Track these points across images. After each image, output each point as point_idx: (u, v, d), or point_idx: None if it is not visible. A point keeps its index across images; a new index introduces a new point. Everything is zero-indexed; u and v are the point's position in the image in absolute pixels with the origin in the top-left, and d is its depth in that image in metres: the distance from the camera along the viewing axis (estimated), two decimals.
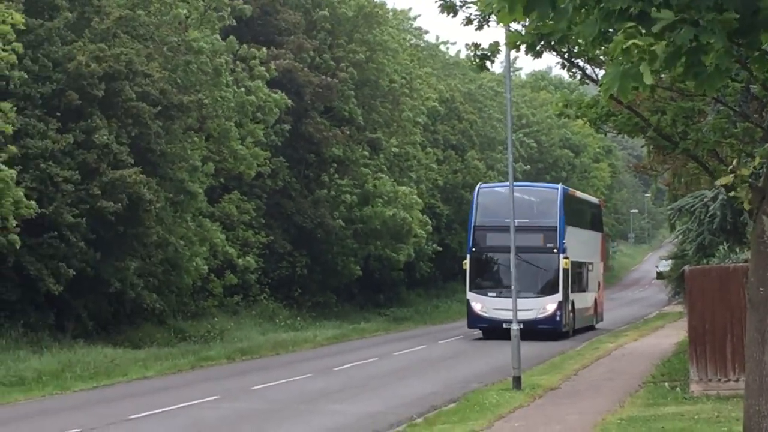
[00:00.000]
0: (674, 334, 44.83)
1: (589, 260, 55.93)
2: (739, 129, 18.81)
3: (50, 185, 40.17)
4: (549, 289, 47.96)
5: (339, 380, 33.14)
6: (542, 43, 11.64)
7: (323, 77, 59.73)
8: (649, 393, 28.38)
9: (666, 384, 29.75)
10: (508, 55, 32.31)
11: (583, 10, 8.41)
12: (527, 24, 12.15)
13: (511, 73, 32.25)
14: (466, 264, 49.41)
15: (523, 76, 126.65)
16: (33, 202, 37.04)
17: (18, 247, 36.90)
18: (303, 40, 59.52)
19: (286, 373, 34.99)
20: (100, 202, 40.45)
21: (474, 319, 49.21)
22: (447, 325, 61.69)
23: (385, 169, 63.76)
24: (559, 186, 52.95)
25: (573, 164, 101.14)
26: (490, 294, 47.85)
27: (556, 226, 48.65)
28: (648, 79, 8.13)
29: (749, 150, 17.92)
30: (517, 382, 30.14)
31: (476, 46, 17.18)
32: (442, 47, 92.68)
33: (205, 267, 47.84)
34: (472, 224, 49.84)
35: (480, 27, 15.19)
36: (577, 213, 53.56)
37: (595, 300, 56.39)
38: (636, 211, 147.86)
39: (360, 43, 63.52)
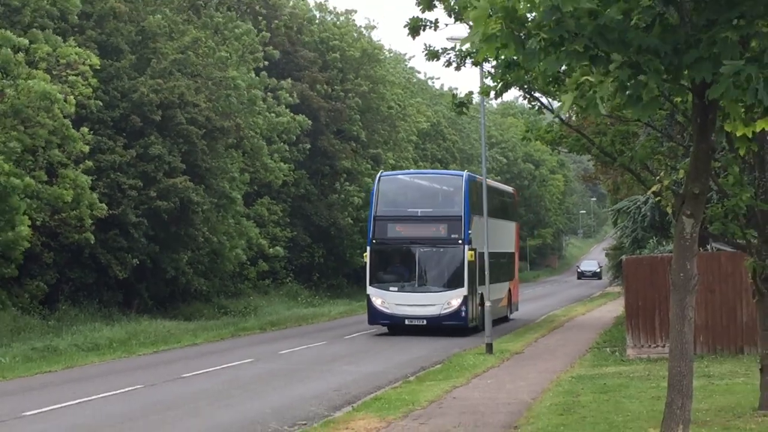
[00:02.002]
0: (614, 310, 44.89)
1: (503, 250, 42.56)
2: (665, 147, 18.87)
3: (118, 191, 40.40)
4: (454, 282, 36.50)
5: (348, 347, 33.21)
6: (507, 90, 11.89)
7: (335, 104, 60.22)
8: (594, 356, 28.45)
9: (607, 349, 29.87)
10: (483, 103, 34.40)
11: (548, 50, 8.50)
12: (494, 72, 12.31)
13: (484, 102, 30.90)
14: (367, 257, 37.79)
15: (494, 105, 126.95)
16: (104, 205, 37.31)
17: (92, 242, 37.14)
18: (316, 74, 59.83)
19: (307, 340, 34.94)
20: (157, 204, 40.65)
21: (374, 315, 37.46)
22: None
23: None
24: (465, 173, 40.10)
25: (534, 175, 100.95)
26: (391, 288, 36.67)
27: (461, 216, 36.65)
28: (602, 109, 8.29)
29: (673, 164, 17.96)
30: (489, 347, 30.20)
31: (454, 96, 17.46)
32: (430, 82, 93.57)
33: (243, 256, 48.25)
34: (373, 214, 37.68)
35: (458, 68, 15.29)
36: (488, 202, 37.38)
37: (509, 291, 44.08)
38: (584, 211, 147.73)
39: (364, 78, 63.94)
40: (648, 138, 18.29)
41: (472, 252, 35.69)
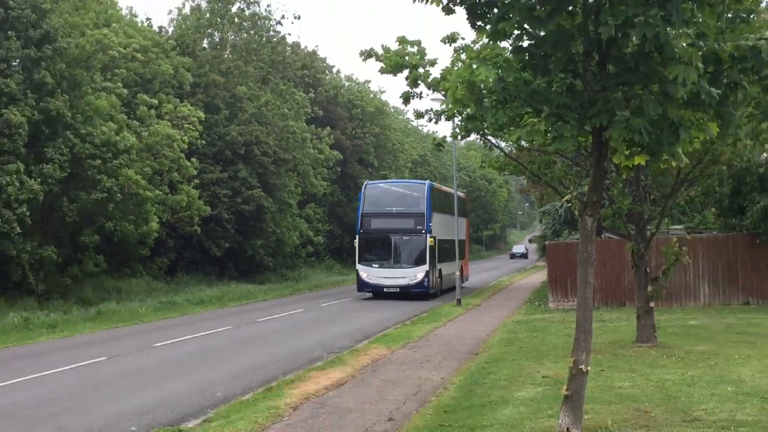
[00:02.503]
0: (540, 278, 44.76)
1: (457, 238, 38.43)
2: (574, 171, 18.93)
3: (216, 199, 40.41)
4: (419, 261, 34.04)
5: (365, 303, 33.11)
6: (470, 135, 12.15)
7: (356, 142, 60.29)
8: (527, 307, 28.40)
9: (536, 303, 29.81)
10: (454, 144, 35.64)
11: (497, 107, 8.59)
12: (460, 123, 12.45)
13: (455, 142, 31.30)
14: (356, 242, 35.18)
15: (462, 143, 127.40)
16: (207, 208, 37.48)
17: (198, 232, 37.29)
18: (346, 123, 60.00)
19: (338, 298, 34.87)
20: (241, 207, 40.76)
21: (362, 285, 34.90)
22: None
23: None
24: (427, 182, 37.87)
25: (488, 188, 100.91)
26: (374, 265, 34.28)
27: (424, 213, 34.42)
28: (541, 138, 8.69)
29: (579, 182, 18.06)
30: (458, 302, 30.23)
31: (434, 139, 17.71)
32: (419, 127, 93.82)
33: (297, 242, 48.32)
34: (360, 212, 35.13)
35: (437, 122, 15.42)
36: (445, 203, 38.32)
37: (461, 266, 38.97)
38: (521, 212, 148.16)
39: (376, 125, 64.15)
40: (563, 164, 18.39)
41: (432, 239, 33.65)
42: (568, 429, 8.70)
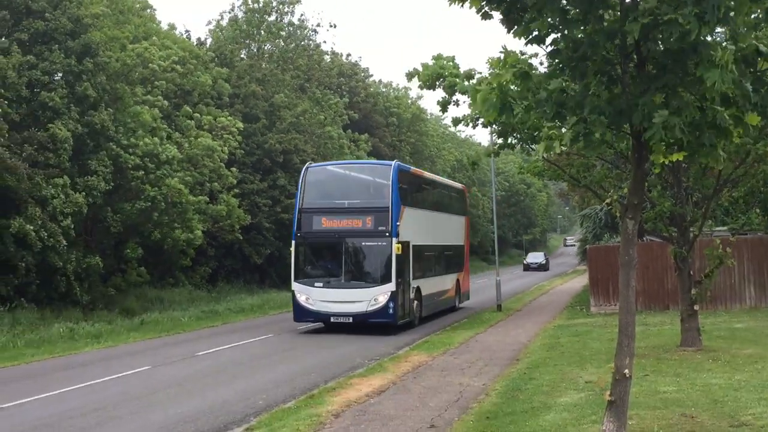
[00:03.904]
0: (581, 281, 44.38)
1: (450, 243, 30.75)
2: (613, 174, 18.74)
3: (255, 207, 40.70)
4: (381, 277, 23.76)
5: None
6: (504, 149, 12.18)
7: (394, 149, 60.32)
8: (569, 312, 28.19)
9: (578, 307, 29.56)
10: (492, 158, 30.26)
11: (527, 113, 8.55)
12: (497, 128, 12.45)
13: (492, 143, 29.04)
14: (292, 250, 24.86)
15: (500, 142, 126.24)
16: (247, 216, 37.70)
17: (241, 239, 37.61)
18: (383, 130, 60.08)
19: None
20: (281, 215, 40.95)
21: (300, 312, 24.44)
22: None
23: None
24: (394, 162, 25.86)
25: (527, 193, 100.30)
26: (316, 284, 24.13)
27: (388, 207, 23.85)
28: (558, 149, 8.51)
29: (619, 184, 17.88)
30: (499, 307, 30.08)
31: (469, 157, 17.76)
32: (458, 132, 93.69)
33: None
34: (298, 207, 24.99)
35: (474, 127, 15.32)
36: (429, 195, 28.77)
37: (457, 281, 31.37)
38: (560, 216, 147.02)
39: (414, 131, 64.15)
40: (602, 168, 18.22)
41: (400, 245, 23.27)
42: None
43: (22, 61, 27.43)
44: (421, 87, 12.66)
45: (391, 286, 23.32)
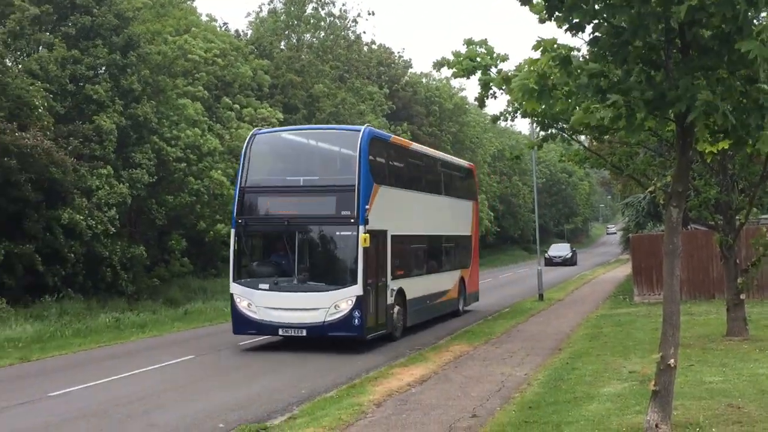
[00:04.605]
0: (625, 271, 43.91)
1: (452, 233, 25.02)
2: (657, 162, 18.51)
3: None
4: (343, 277, 17.88)
5: None
6: (547, 140, 12.02)
7: (434, 138, 60.06)
8: (611, 302, 27.96)
9: (621, 297, 29.31)
10: (534, 150, 27.13)
11: (567, 99, 8.47)
12: (537, 121, 12.34)
13: (532, 128, 27.68)
14: (231, 242, 18.98)
15: (541, 134, 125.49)
16: None
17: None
18: (423, 119, 59.86)
19: None
20: None
21: (240, 322, 18.56)
22: (504, 267, 60.74)
23: None
24: (364, 127, 18.88)
25: (569, 182, 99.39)
26: (261, 286, 18.24)
27: (354, 185, 17.74)
28: (593, 122, 8.43)
29: (663, 173, 17.68)
30: (540, 297, 29.94)
31: (511, 152, 17.65)
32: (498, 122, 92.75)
33: None
34: (239, 185, 19.10)
35: (513, 120, 15.09)
36: (419, 172, 22.77)
37: (461, 280, 25.50)
38: (603, 205, 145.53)
39: (455, 122, 63.87)
40: (646, 156, 18.01)
41: (367, 236, 17.27)
42: (656, 425, 8.49)
43: (67, 56, 27.92)
44: (454, 76, 12.55)
45: (356, 289, 17.40)
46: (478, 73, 12.37)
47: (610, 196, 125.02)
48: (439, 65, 12.87)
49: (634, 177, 17.20)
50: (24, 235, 24.71)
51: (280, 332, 18.14)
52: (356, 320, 17.45)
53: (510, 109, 14.64)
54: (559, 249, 63.45)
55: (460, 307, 25.65)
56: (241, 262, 18.65)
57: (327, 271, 18.24)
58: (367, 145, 18.17)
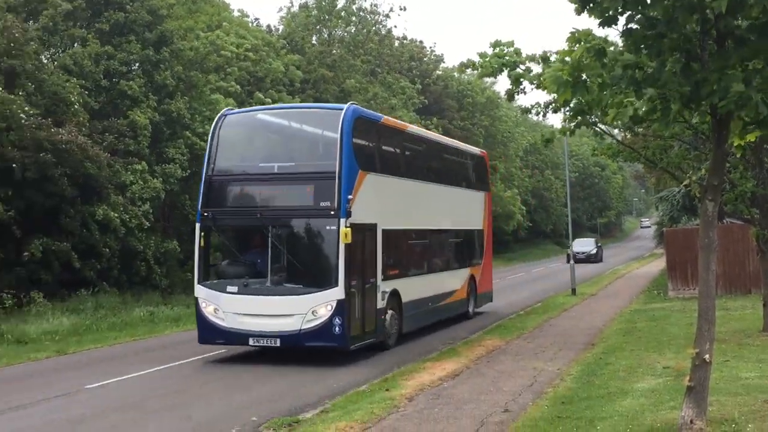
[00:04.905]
0: (659, 265, 43.50)
1: (461, 227, 23.03)
2: (692, 155, 18.33)
3: None
4: (322, 279, 15.32)
5: None
6: (580, 127, 11.90)
7: (465, 132, 59.85)
8: (645, 296, 27.73)
9: (655, 291, 29.05)
10: (566, 138, 26.43)
11: (603, 91, 8.39)
12: (569, 113, 12.22)
13: (567, 135, 26.68)
14: (196, 237, 16.40)
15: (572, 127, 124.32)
16: None
17: None
18: (454, 114, 59.62)
19: None
20: None
21: (206, 330, 16.06)
22: (536, 261, 60.42)
23: (499, 181, 63.16)
24: (347, 106, 16.21)
25: (602, 175, 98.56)
26: (229, 289, 15.83)
27: (335, 172, 15.20)
28: (626, 117, 8.29)
29: (698, 166, 17.51)
30: (573, 291, 29.75)
31: (542, 135, 17.46)
32: (530, 116, 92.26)
33: None
34: (205, 173, 16.60)
35: (544, 116, 15.20)
36: (414, 159, 20.39)
37: (472, 278, 23.27)
38: (636, 199, 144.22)
39: (487, 116, 63.57)
40: (680, 149, 17.85)
41: (349, 230, 14.87)
42: (691, 421, 8.41)
43: (100, 52, 28.25)
44: (480, 76, 12.52)
45: (337, 292, 15.05)
46: (505, 72, 12.35)
47: (643, 190, 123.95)
48: (464, 67, 12.87)
49: (668, 170, 17.03)
50: (60, 231, 25.03)
51: (251, 342, 15.77)
52: (337, 328, 15.09)
53: (540, 103, 14.59)
54: (583, 244, 58.18)
55: (470, 309, 23.37)
56: (207, 261, 16.43)
57: (304, 272, 15.67)
58: (351, 126, 15.78)
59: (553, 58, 11.28)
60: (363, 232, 15.95)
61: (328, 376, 14.37)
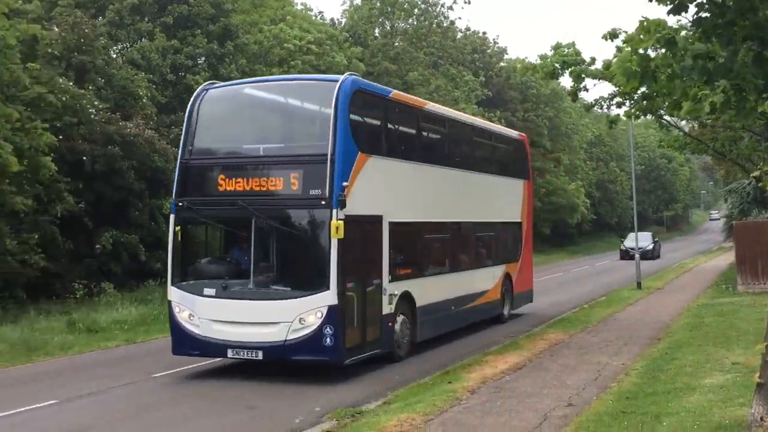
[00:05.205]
0: (727, 259, 42.47)
1: (496, 219, 20.48)
2: (762, 146, 17.86)
3: None
4: (311, 281, 12.89)
5: (544, 285, 32.45)
6: (646, 114, 11.67)
7: (528, 123, 59.27)
8: (713, 291, 27.10)
9: (723, 286, 28.38)
10: (631, 123, 27.07)
11: (672, 81, 8.23)
12: (635, 103, 12.04)
13: (632, 121, 25.85)
14: (170, 233, 14.28)
15: (640, 119, 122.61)
16: None
17: None
18: (517, 105, 59.08)
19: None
20: None
21: (179, 339, 13.81)
22: (600, 255, 59.50)
23: (563, 173, 62.44)
24: (344, 77, 13.70)
25: (668, 167, 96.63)
26: (206, 291, 13.37)
27: (326, 155, 12.71)
28: (705, 110, 8.18)
29: None
30: (638, 285, 29.28)
31: (608, 117, 17.16)
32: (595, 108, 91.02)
33: None
34: (180, 157, 14.31)
35: (608, 108, 14.98)
36: (434, 140, 17.51)
37: (507, 277, 20.71)
38: (704, 191, 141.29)
39: (551, 107, 62.84)
40: (750, 140, 17.41)
41: (339, 224, 12.45)
42: (761, 418, 8.21)
43: (167, 45, 28.77)
44: (541, 78, 12.44)
45: (327, 296, 12.70)
46: (567, 72, 12.27)
47: (711, 182, 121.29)
48: (525, 70, 12.81)
49: (737, 162, 16.69)
50: (129, 223, 25.59)
51: (230, 354, 13.40)
52: (328, 339, 12.68)
53: (604, 96, 14.43)
54: (642, 239, 48.41)
55: (505, 312, 20.76)
56: (182, 259, 14.23)
57: (290, 273, 13.57)
58: (348, 100, 13.39)
59: (621, 37, 11.10)
60: (364, 226, 13.66)
61: (310, 397, 12.02)
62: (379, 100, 15.09)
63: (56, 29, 25.76)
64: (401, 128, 15.99)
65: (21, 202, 20.58)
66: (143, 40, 30.01)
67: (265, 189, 13.45)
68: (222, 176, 13.77)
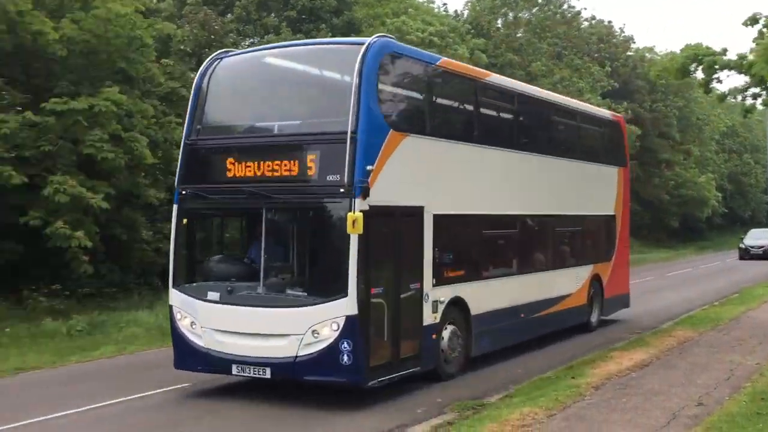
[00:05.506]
0: None
1: (579, 212, 17.09)
2: None
3: None
4: (326, 286, 10.33)
5: (670, 281, 31.47)
6: None
7: (656, 114, 57.45)
8: None
9: None
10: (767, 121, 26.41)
11: None
12: None
13: None
14: (173, 227, 11.65)
15: None
16: None
17: None
18: (645, 96, 57.32)
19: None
20: None
21: (181, 351, 11.28)
22: (732, 250, 57.11)
23: (693, 166, 60.28)
24: (370, 40, 10.76)
25: None
26: (210, 295, 10.87)
27: (347, 132, 9.91)
28: None
29: None
30: None
31: (743, 106, 16.47)
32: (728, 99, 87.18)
33: None
34: (185, 138, 11.66)
35: (743, 99, 14.38)
36: (495, 119, 14.35)
37: (596, 279, 17.72)
38: None
39: (680, 97, 60.70)
40: None
41: (358, 217, 9.80)
42: None
43: (293, 40, 29.44)
44: (675, 78, 12.11)
45: (345, 305, 10.24)
46: (699, 69, 11.89)
47: None
48: (657, 70, 12.56)
49: None
50: None
51: (234, 370, 11.02)
52: (346, 356, 10.25)
53: (738, 87, 13.90)
54: (760, 236, 46.98)
55: (593, 319, 18.02)
56: (183, 256, 12.04)
57: (304, 275, 11.40)
58: (375, 66, 10.91)
59: (761, 21, 10.64)
60: (398, 219, 11.23)
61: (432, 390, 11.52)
62: (421, 68, 12.42)
63: (187, 26, 26.76)
64: (452, 103, 13.66)
65: (153, 195, 21.53)
66: (270, 34, 30.76)
67: (278, 174, 10.98)
68: (231, 159, 11.35)
